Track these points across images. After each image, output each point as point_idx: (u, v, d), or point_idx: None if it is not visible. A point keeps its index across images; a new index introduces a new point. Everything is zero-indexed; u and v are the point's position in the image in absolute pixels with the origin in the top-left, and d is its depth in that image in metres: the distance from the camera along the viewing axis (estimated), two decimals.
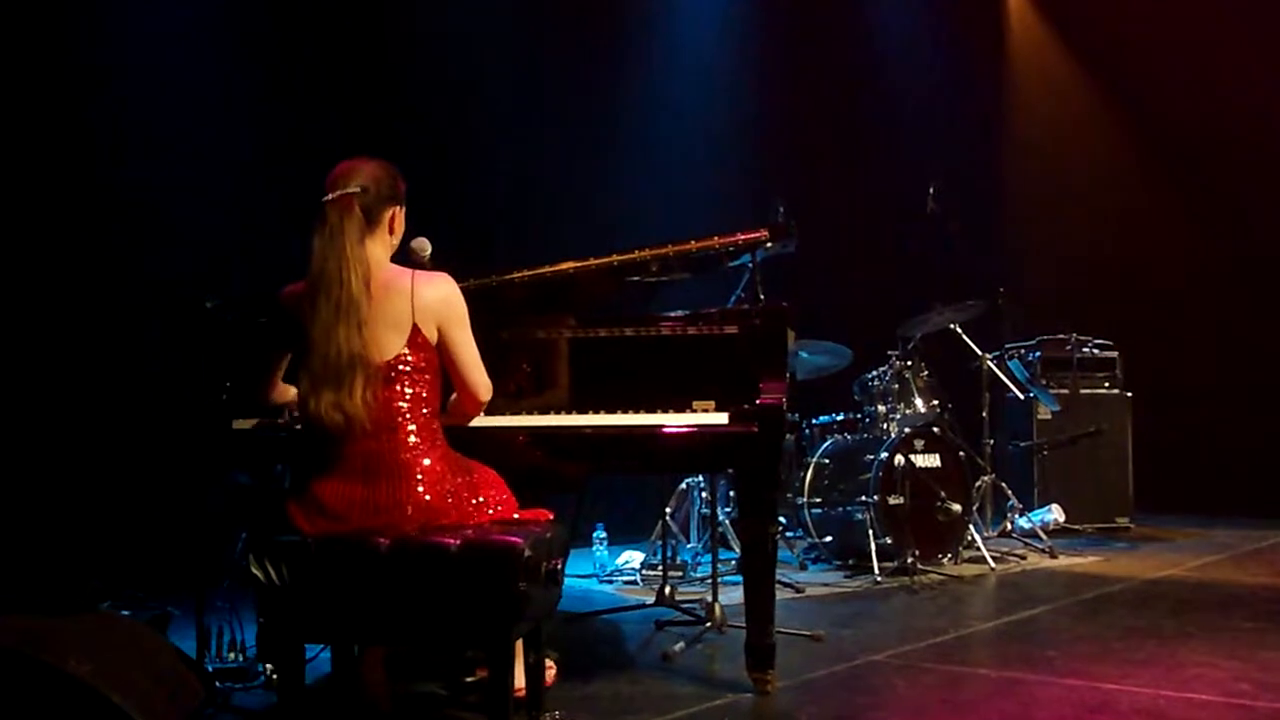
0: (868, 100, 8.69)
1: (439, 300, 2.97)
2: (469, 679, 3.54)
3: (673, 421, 3.36)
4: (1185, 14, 8.18)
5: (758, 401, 3.35)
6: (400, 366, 2.90)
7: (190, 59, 5.74)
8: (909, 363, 6.12)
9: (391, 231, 3.06)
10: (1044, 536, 6.39)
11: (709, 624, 4.32)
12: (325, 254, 2.87)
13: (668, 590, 4.77)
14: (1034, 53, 9.34)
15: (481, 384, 3.09)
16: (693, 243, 3.87)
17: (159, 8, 5.65)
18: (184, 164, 5.62)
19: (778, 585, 4.11)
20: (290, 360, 3.08)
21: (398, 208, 3.05)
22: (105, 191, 5.41)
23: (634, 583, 5.64)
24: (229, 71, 5.86)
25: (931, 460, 5.80)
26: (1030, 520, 6.59)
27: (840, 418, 6.45)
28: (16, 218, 5.10)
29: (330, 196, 2.92)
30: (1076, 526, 6.95)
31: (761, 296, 3.95)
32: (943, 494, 5.70)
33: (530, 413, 3.46)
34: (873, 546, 5.58)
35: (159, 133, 5.56)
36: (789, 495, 6.17)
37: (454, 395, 3.14)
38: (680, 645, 4.07)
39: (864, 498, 5.70)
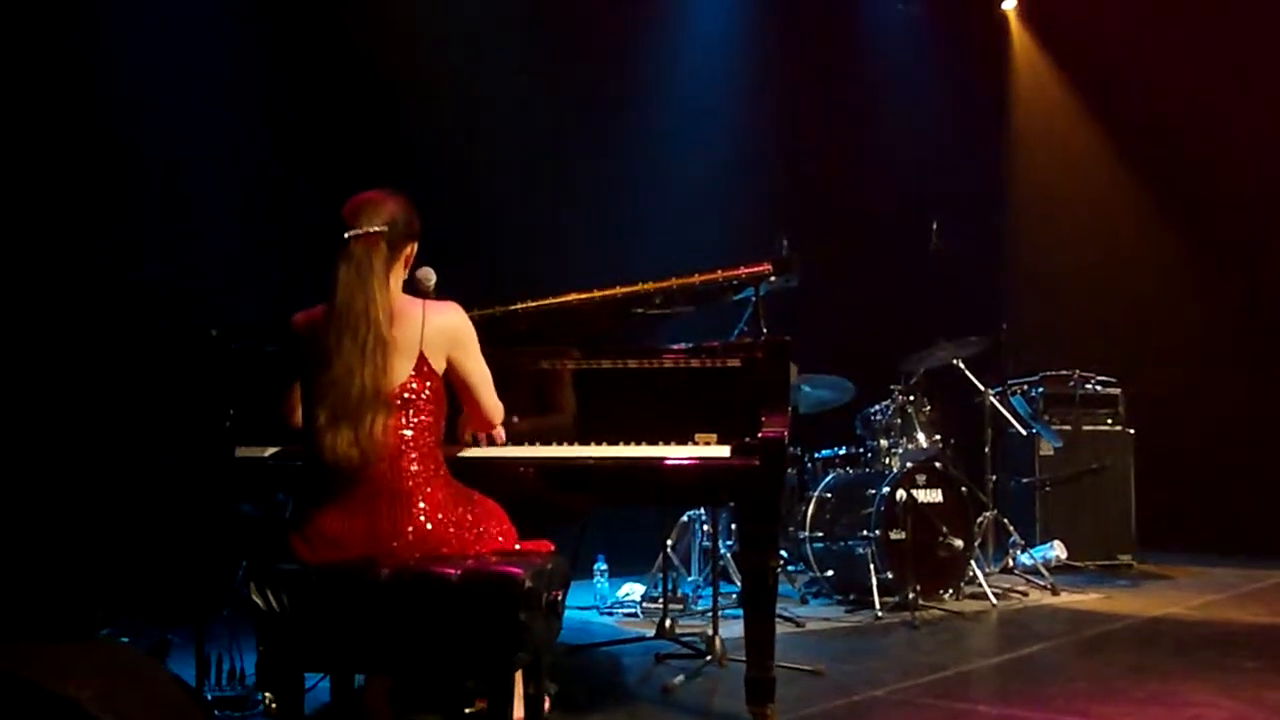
0: (872, 135, 8.73)
1: (448, 328, 2.98)
2: (468, 710, 3.52)
3: (675, 454, 3.37)
4: (1192, 51, 8.22)
5: (759, 435, 3.35)
6: (405, 394, 2.91)
7: (195, 77, 5.79)
8: (911, 397, 6.13)
9: (406, 266, 3.08)
10: (1046, 573, 6.37)
11: (709, 657, 4.31)
12: (353, 290, 2.86)
13: (668, 623, 4.76)
14: (1038, 89, 9.38)
15: (494, 408, 3.12)
16: (696, 276, 3.89)
17: (160, 20, 5.69)
18: (188, 190, 5.66)
19: (778, 619, 4.11)
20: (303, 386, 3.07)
21: (414, 244, 3.07)
22: (109, 217, 5.44)
23: (634, 615, 5.63)
24: (235, 88, 5.91)
25: (933, 495, 5.79)
26: (1032, 556, 6.57)
27: (842, 452, 6.46)
28: (19, 244, 5.12)
29: (357, 232, 2.91)
30: (1078, 563, 6.93)
31: (764, 330, 3.95)
32: (944, 529, 5.69)
33: (532, 443, 3.46)
34: (874, 581, 5.56)
35: (163, 156, 5.59)
36: (790, 529, 6.16)
37: (461, 418, 3.15)
38: (680, 678, 4.06)
39: (865, 532, 5.70)
